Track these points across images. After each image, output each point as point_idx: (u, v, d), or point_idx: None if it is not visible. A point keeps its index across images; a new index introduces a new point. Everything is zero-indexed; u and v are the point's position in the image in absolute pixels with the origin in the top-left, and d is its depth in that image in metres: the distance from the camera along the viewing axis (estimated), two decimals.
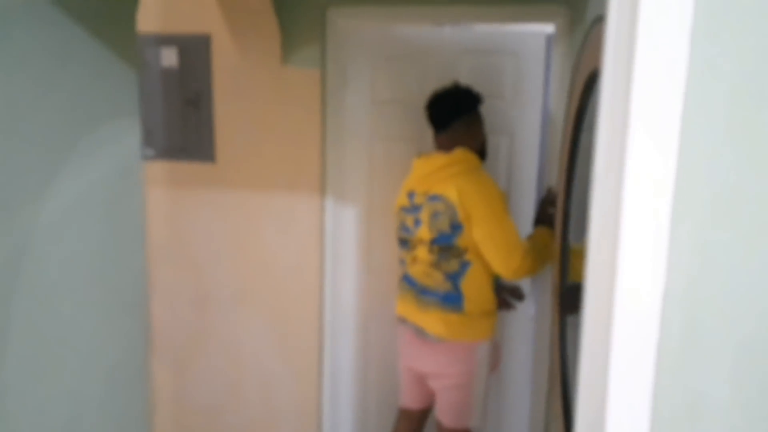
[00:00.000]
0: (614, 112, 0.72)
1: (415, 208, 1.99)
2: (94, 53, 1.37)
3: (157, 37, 2.37)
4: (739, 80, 0.68)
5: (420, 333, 1.99)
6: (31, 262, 1.23)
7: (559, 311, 1.77)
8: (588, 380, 0.80)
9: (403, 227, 2.06)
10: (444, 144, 2.00)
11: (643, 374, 0.73)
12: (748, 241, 0.70)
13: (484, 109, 2.06)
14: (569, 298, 1.64)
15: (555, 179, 2.04)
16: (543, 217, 2.05)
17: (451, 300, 1.93)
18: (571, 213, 1.68)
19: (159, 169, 2.46)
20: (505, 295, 2.18)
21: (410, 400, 2.17)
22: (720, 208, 0.70)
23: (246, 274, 2.47)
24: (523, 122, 2.37)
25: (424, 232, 1.94)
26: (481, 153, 2.04)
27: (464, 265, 1.91)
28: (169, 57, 2.38)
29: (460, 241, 1.89)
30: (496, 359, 2.12)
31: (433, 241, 1.92)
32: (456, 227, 1.88)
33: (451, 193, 1.87)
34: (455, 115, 1.99)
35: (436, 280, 1.94)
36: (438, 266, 1.93)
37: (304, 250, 2.42)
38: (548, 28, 2.25)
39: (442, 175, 1.92)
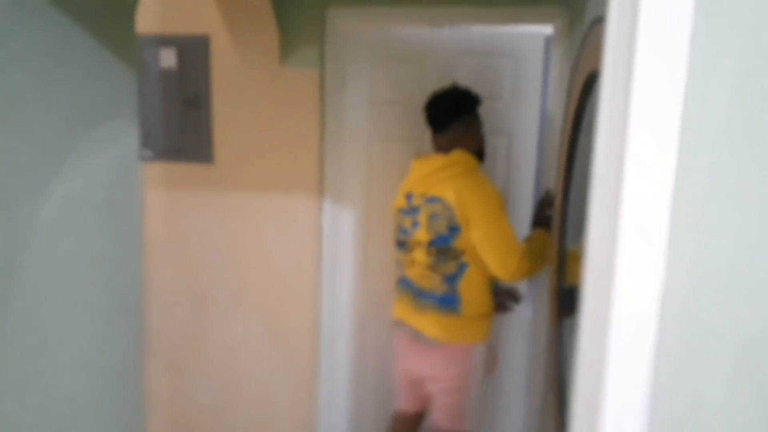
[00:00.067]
0: (614, 113, 0.72)
1: (412, 210, 1.99)
2: (92, 54, 1.37)
3: (155, 38, 2.37)
4: (739, 80, 0.68)
5: (416, 336, 1.99)
6: (28, 263, 1.23)
7: (556, 313, 1.77)
8: (585, 383, 0.80)
9: (400, 229, 2.05)
10: (442, 145, 2.00)
11: (640, 376, 0.73)
12: (747, 241, 0.70)
13: (483, 110, 2.06)
14: (566, 300, 1.64)
15: (553, 180, 2.04)
16: (540, 219, 2.04)
17: (448, 302, 1.93)
18: (568, 214, 1.68)
19: (157, 169, 2.46)
20: (503, 297, 2.17)
21: (406, 403, 2.16)
22: (720, 208, 0.70)
23: (243, 275, 2.47)
24: (522, 123, 2.38)
25: (421, 234, 1.94)
26: (480, 154, 2.03)
27: (461, 267, 1.91)
28: (168, 57, 2.38)
29: (458, 243, 1.88)
30: (493, 361, 2.11)
31: (431, 243, 1.92)
32: (454, 229, 1.87)
33: (448, 195, 1.87)
34: (454, 116, 1.98)
35: (433, 282, 1.94)
36: (435, 268, 1.93)
37: (301, 251, 2.42)
38: (547, 29, 2.26)
39: (440, 177, 1.92)
